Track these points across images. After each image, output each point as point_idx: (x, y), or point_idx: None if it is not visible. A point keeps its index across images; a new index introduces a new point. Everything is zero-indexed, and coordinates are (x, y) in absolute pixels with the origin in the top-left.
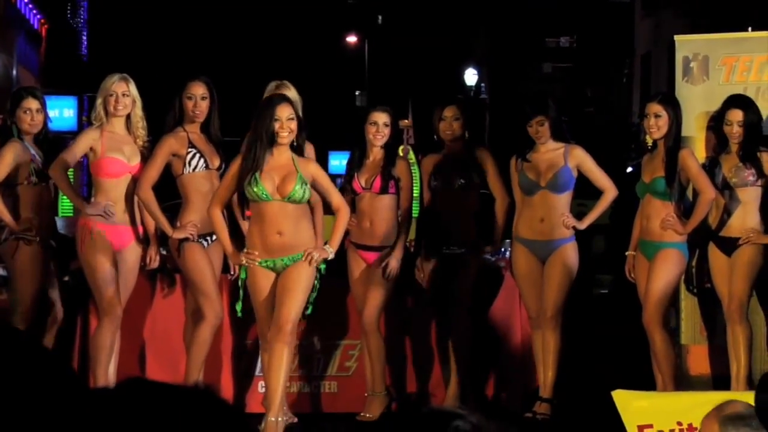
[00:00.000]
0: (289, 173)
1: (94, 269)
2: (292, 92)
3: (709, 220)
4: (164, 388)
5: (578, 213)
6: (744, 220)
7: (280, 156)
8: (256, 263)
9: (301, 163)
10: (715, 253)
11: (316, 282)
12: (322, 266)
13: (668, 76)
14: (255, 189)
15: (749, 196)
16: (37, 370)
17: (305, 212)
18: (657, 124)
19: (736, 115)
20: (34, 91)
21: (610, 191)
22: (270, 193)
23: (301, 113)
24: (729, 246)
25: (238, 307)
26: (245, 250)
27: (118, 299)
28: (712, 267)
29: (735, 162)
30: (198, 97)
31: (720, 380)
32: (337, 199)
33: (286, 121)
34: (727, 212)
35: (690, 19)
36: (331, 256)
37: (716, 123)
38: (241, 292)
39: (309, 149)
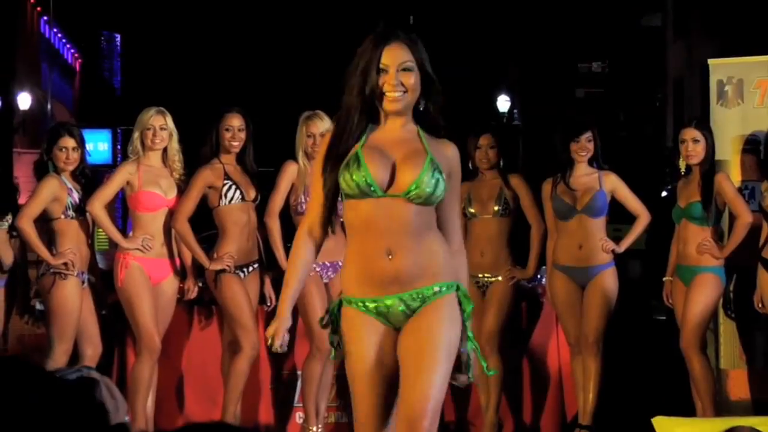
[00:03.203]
0: (412, 153)
1: (132, 303)
2: (325, 123)
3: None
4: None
5: (614, 238)
6: None
7: (397, 129)
8: (351, 305)
9: (433, 142)
10: (763, 275)
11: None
12: (469, 307)
13: (701, 100)
14: (355, 176)
15: None
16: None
17: (434, 220)
18: (695, 149)
19: None
20: (71, 128)
21: (644, 217)
22: (379, 183)
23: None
24: None
25: (332, 355)
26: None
27: (157, 333)
28: (762, 289)
29: None
30: (236, 128)
31: (760, 404)
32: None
33: (397, 72)
34: None
35: (721, 43)
36: None
37: (753, 146)
38: (333, 337)
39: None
